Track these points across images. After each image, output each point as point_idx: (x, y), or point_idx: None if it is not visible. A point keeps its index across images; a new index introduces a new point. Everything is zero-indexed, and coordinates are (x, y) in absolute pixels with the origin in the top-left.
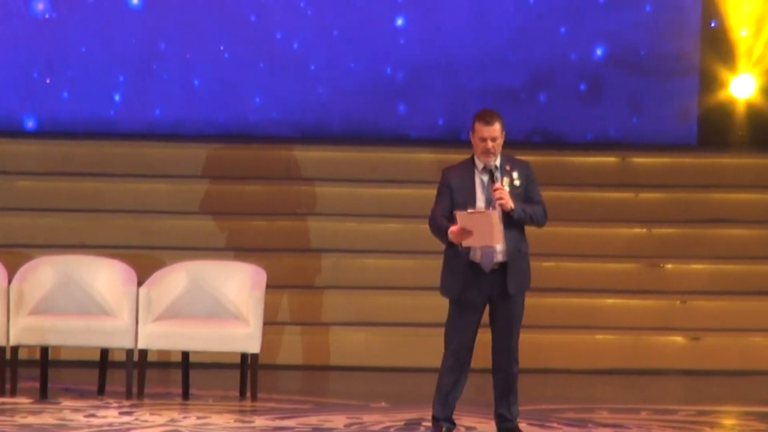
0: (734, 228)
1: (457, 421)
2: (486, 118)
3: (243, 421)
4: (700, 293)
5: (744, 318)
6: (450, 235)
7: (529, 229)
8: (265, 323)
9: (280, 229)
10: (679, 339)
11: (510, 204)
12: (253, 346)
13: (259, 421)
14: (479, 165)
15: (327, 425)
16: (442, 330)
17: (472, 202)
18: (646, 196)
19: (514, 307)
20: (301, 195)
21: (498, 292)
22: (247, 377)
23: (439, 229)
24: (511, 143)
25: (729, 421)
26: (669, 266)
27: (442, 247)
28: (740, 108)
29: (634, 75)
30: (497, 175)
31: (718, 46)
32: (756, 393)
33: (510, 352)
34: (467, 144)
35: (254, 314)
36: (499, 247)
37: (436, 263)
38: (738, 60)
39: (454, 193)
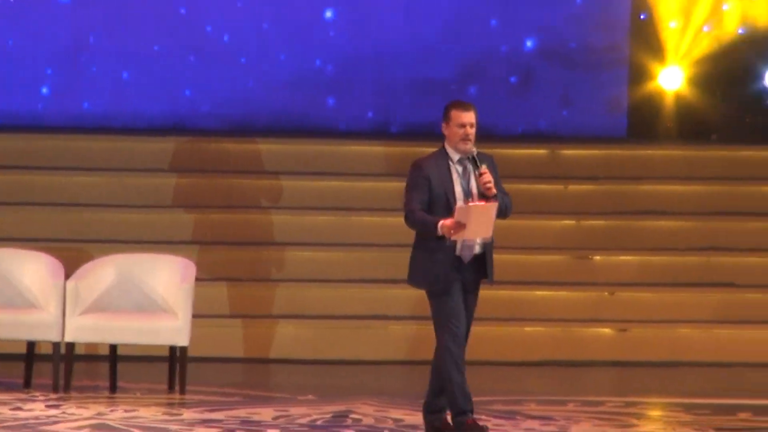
0: (663, 220)
1: (385, 414)
2: (463, 105)
3: (171, 414)
4: (628, 285)
5: (672, 309)
6: (442, 229)
7: None
8: (194, 316)
9: (210, 221)
10: (607, 330)
11: (494, 189)
12: (182, 339)
13: (188, 414)
14: (453, 156)
15: (255, 418)
16: (373, 322)
17: (451, 195)
18: (575, 187)
19: (477, 297)
20: (232, 188)
21: (470, 282)
22: (175, 370)
23: (423, 222)
24: (442, 136)
25: (656, 413)
26: (598, 258)
27: (373, 238)
28: (669, 100)
29: (565, 67)
30: (478, 161)
31: (647, 38)
32: (683, 384)
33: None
34: (396, 137)
35: (183, 307)
36: (478, 239)
37: (367, 255)
38: (667, 52)
39: (432, 185)
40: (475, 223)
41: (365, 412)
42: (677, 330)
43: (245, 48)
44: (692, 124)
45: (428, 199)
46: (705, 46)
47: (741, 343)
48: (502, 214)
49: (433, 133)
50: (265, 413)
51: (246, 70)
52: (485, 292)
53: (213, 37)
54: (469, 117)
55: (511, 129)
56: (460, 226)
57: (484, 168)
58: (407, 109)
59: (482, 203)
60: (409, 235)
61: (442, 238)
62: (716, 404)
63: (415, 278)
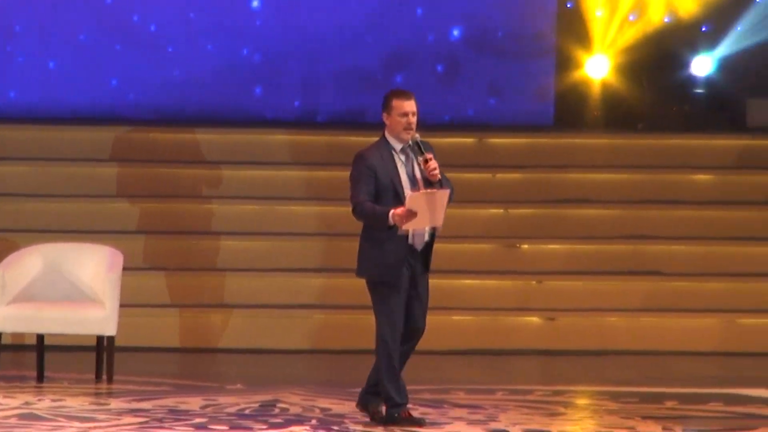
0: (590, 208)
1: (312, 403)
2: (404, 93)
3: (99, 404)
4: (556, 273)
5: (599, 298)
6: (394, 218)
7: None
8: (122, 305)
9: (136, 211)
10: (535, 319)
11: (439, 176)
12: (109, 329)
13: (115, 404)
14: (396, 145)
15: (183, 407)
16: (300, 311)
17: (397, 183)
18: (503, 176)
19: (427, 279)
20: (159, 177)
21: (419, 268)
22: (103, 360)
23: (373, 213)
24: (369, 125)
25: (583, 401)
26: (525, 246)
27: (299, 228)
28: (596, 88)
29: (492, 56)
30: (423, 146)
31: (574, 27)
32: (610, 372)
33: (421, 332)
34: (321, 126)
35: (110, 296)
36: (427, 227)
37: (293, 244)
38: (593, 41)
39: (377, 176)
40: (426, 211)
41: (293, 401)
42: (604, 318)
43: (172, 37)
44: (619, 113)
45: (374, 190)
46: (631, 34)
47: (668, 332)
48: (450, 197)
49: (360, 122)
50: (193, 402)
51: (173, 59)
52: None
53: (139, 27)
54: (411, 105)
55: (439, 118)
56: (411, 214)
57: (429, 154)
58: (333, 98)
59: (434, 191)
60: (335, 223)
61: (394, 227)
62: (643, 392)
63: (364, 269)
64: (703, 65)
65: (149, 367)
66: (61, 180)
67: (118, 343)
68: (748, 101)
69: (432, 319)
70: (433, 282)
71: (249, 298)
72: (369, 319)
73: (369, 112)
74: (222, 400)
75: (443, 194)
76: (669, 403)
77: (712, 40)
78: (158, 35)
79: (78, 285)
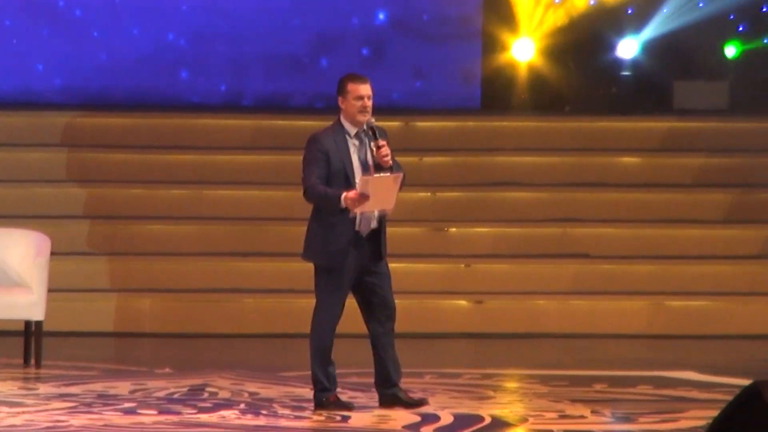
0: (517, 191)
1: (241, 387)
2: (359, 77)
3: (27, 389)
4: (484, 257)
5: (527, 281)
6: (345, 201)
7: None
8: (50, 290)
9: (64, 196)
10: (463, 302)
11: (391, 162)
12: (37, 314)
13: (44, 388)
14: (350, 129)
15: (112, 391)
16: (227, 296)
17: (349, 168)
18: (430, 160)
19: (386, 264)
20: (86, 162)
21: (369, 257)
22: (31, 345)
23: (325, 196)
24: (293, 109)
25: (512, 384)
26: (453, 230)
27: (227, 212)
28: (522, 71)
29: (417, 39)
30: (378, 132)
31: (499, 9)
32: (539, 356)
33: (395, 312)
34: (247, 110)
35: (38, 281)
36: (375, 212)
37: (220, 229)
38: (519, 23)
39: (330, 159)
40: (378, 195)
41: (221, 385)
42: (533, 301)
43: (98, 22)
44: (546, 96)
45: (327, 174)
46: (557, 17)
47: (596, 314)
48: (402, 183)
49: (286, 106)
50: (122, 387)
51: (99, 44)
52: None
53: (65, 12)
54: (366, 89)
55: None
56: (363, 197)
57: (382, 141)
58: (259, 82)
59: (387, 175)
60: (263, 208)
61: (345, 211)
62: (572, 376)
63: (311, 254)
64: (629, 48)
65: (77, 351)
66: None
67: (46, 328)
68: (675, 83)
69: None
70: None
71: (177, 282)
72: (297, 303)
73: (295, 96)
74: (151, 384)
75: (395, 178)
76: (598, 386)
77: (638, 23)
78: (84, 20)
79: (5, 270)
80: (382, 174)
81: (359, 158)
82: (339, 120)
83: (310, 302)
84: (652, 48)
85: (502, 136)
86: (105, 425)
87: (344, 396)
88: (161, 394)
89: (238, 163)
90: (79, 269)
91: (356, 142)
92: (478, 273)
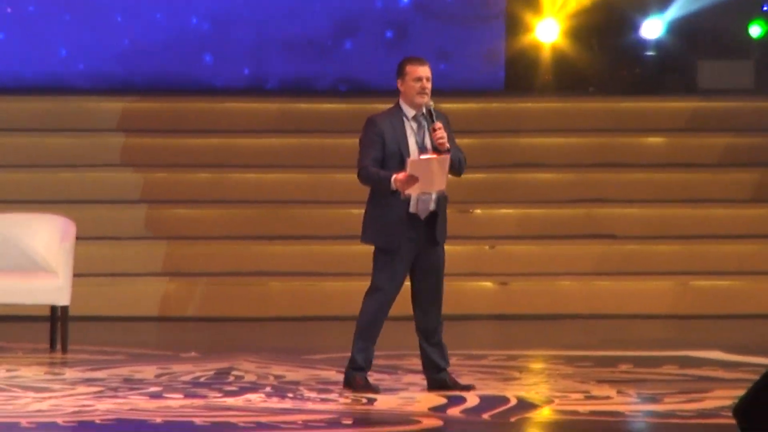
0: (542, 172)
1: (267, 371)
2: (417, 59)
3: (53, 374)
4: (508, 238)
5: (552, 262)
6: (396, 183)
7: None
8: (76, 275)
9: (89, 180)
10: (488, 284)
11: (447, 144)
12: (63, 298)
13: (70, 373)
14: (408, 112)
15: (138, 376)
16: (253, 279)
17: (405, 151)
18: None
19: (442, 254)
20: (111, 147)
21: (425, 241)
22: (57, 329)
23: (377, 178)
24: (317, 92)
25: (538, 365)
26: (478, 211)
27: (252, 195)
28: (546, 52)
29: (441, 21)
30: (435, 114)
31: None
32: (564, 337)
33: (441, 301)
34: (271, 93)
35: (64, 266)
36: (434, 195)
37: (246, 212)
38: (543, 4)
39: (385, 141)
40: (427, 176)
41: (247, 368)
42: (558, 283)
43: (121, 7)
44: (570, 77)
45: (382, 156)
46: None
47: (621, 295)
48: (455, 169)
49: (309, 89)
50: (147, 371)
51: (122, 29)
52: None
53: None
54: (425, 71)
55: (388, 84)
56: (412, 179)
57: (438, 123)
58: (283, 65)
59: (434, 156)
60: (289, 191)
61: (397, 193)
62: (598, 356)
63: (369, 235)
64: (653, 28)
65: (103, 336)
66: (11, 150)
67: (71, 312)
68: (699, 63)
69: None
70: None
71: (201, 266)
72: (323, 286)
73: (318, 79)
74: (177, 368)
75: (443, 159)
76: (623, 367)
77: (662, 3)
78: (107, 5)
79: (31, 255)
80: (428, 155)
81: (416, 141)
82: (398, 102)
83: (335, 285)
84: (676, 28)
85: (526, 118)
86: (131, 409)
87: (371, 378)
88: (187, 378)
89: (262, 147)
90: (104, 254)
91: (414, 125)
92: (502, 254)
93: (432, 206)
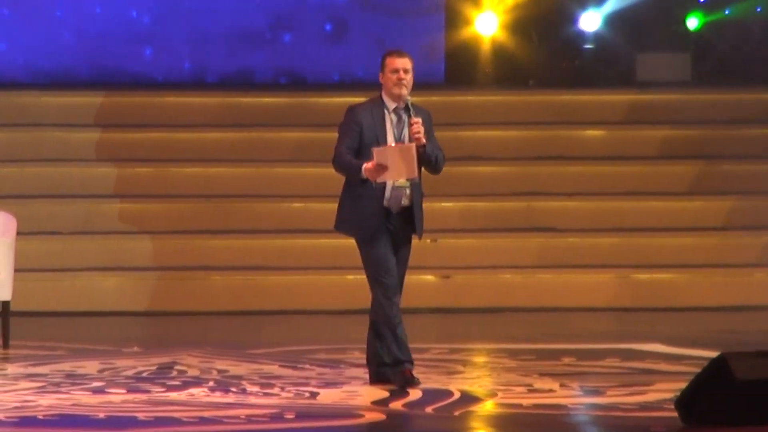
0: (483, 165)
1: (210, 365)
2: (396, 51)
3: None
4: (450, 231)
5: (493, 256)
6: (365, 172)
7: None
8: (17, 270)
9: (30, 175)
10: (430, 277)
11: (424, 139)
12: (4, 294)
13: (12, 369)
14: (389, 105)
15: (80, 371)
16: (195, 273)
17: (383, 141)
18: None
19: (409, 250)
20: (51, 141)
21: (400, 235)
22: None
23: (349, 166)
24: (258, 85)
25: (481, 359)
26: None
27: (193, 189)
28: (485, 45)
29: (380, 14)
30: (412, 110)
31: None
32: (506, 330)
33: (400, 294)
34: (211, 87)
35: (5, 261)
36: (407, 190)
37: (187, 206)
38: None
39: (363, 132)
40: (394, 165)
41: (190, 363)
42: (500, 276)
43: (60, 1)
44: (509, 70)
45: (358, 146)
46: None
47: (563, 288)
48: (431, 166)
49: (249, 82)
50: (90, 366)
51: (61, 23)
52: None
53: None
54: (403, 63)
55: (327, 77)
56: (381, 168)
57: (416, 119)
58: (223, 58)
59: (398, 144)
60: (228, 185)
61: (368, 182)
62: (540, 349)
63: (342, 225)
64: (591, 21)
65: (45, 331)
66: None
67: (13, 308)
68: (638, 56)
69: (326, 279)
70: (326, 242)
71: (144, 260)
72: (265, 280)
73: (258, 72)
74: (119, 363)
75: (405, 148)
76: (566, 360)
77: None
78: (46, 0)
79: None
80: (394, 144)
81: (394, 134)
82: (380, 95)
83: (277, 279)
84: (614, 20)
85: (466, 111)
86: (74, 405)
87: (313, 372)
88: (130, 372)
89: (204, 141)
90: (45, 249)
91: (394, 118)
92: (444, 248)
93: (405, 201)
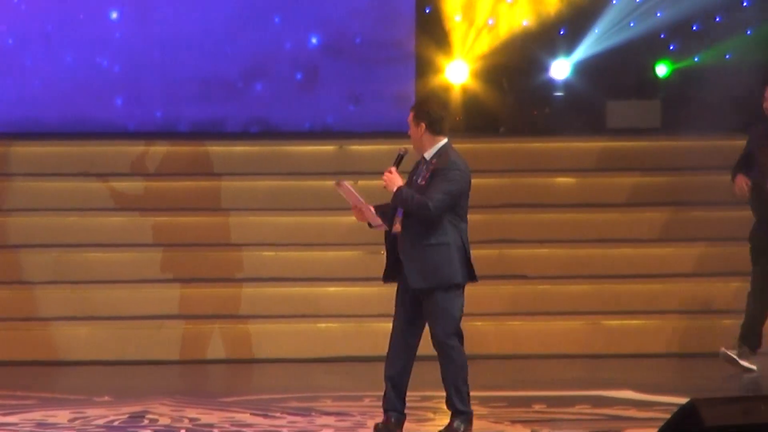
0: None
1: (181, 414)
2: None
3: None
4: None
5: (466, 303)
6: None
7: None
8: None
9: (0, 225)
10: None
11: (390, 186)
12: None
13: None
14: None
15: (51, 420)
16: (166, 322)
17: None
18: (365, 183)
19: (429, 303)
20: (21, 191)
21: (407, 284)
22: None
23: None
24: (229, 135)
25: None
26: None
27: (165, 239)
28: (456, 93)
29: (351, 63)
30: (398, 160)
31: (432, 32)
32: (477, 377)
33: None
34: (183, 136)
35: None
36: (402, 236)
37: (158, 255)
38: (452, 46)
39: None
40: (356, 206)
41: (162, 411)
42: (471, 323)
43: (30, 50)
44: (480, 118)
45: None
46: (490, 39)
47: (534, 335)
48: (407, 206)
49: (221, 132)
50: (61, 415)
51: (32, 72)
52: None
53: None
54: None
55: (299, 125)
56: (355, 209)
57: (391, 168)
58: (195, 107)
59: (340, 183)
60: (200, 234)
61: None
62: (511, 396)
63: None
64: (561, 69)
65: (15, 380)
66: None
67: None
68: (607, 103)
69: (297, 327)
70: (297, 290)
71: (114, 309)
72: (236, 328)
73: (229, 121)
74: (90, 412)
75: (343, 187)
76: (537, 407)
77: (569, 44)
78: (16, 48)
79: None
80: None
81: (411, 180)
82: None
83: (248, 327)
84: (584, 68)
85: None
86: None
87: (284, 420)
88: (101, 422)
89: (175, 190)
90: (14, 297)
91: (422, 166)
92: None
93: (401, 255)
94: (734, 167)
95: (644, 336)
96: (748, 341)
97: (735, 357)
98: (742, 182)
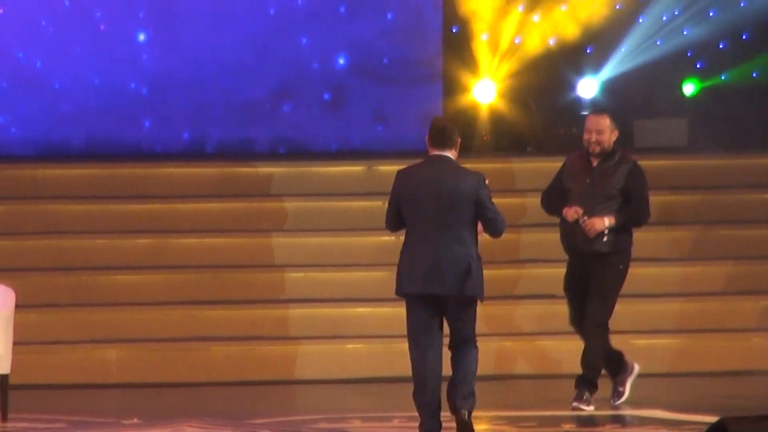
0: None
1: None
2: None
3: None
4: None
5: (495, 322)
6: None
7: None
8: (16, 343)
9: (28, 248)
10: None
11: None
12: (3, 367)
13: None
14: None
15: None
16: (195, 344)
17: None
18: None
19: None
20: (48, 214)
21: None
22: None
23: None
24: (256, 156)
25: (481, 426)
26: None
27: (192, 260)
28: (484, 113)
29: (378, 83)
30: None
31: (460, 52)
32: (507, 397)
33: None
34: (210, 157)
35: (3, 335)
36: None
37: (187, 277)
38: (480, 65)
39: None
40: None
41: None
42: (501, 342)
43: (58, 73)
44: (507, 137)
45: None
46: (517, 58)
47: (564, 354)
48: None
49: (249, 153)
50: None
51: (60, 95)
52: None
53: (25, 63)
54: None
55: (326, 146)
56: None
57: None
58: (222, 129)
59: None
60: (228, 255)
61: None
62: (541, 416)
63: None
64: (589, 87)
65: (44, 404)
66: None
67: (12, 381)
68: (635, 122)
69: (325, 348)
70: (326, 311)
71: (143, 332)
72: (265, 350)
73: (257, 143)
74: None
75: None
76: (567, 426)
77: (597, 62)
78: (44, 71)
79: None
80: None
81: None
82: None
83: (276, 349)
84: (611, 87)
85: None
86: None
87: None
88: None
89: (202, 211)
90: (44, 321)
91: None
92: None
93: None
94: None
95: (674, 355)
96: None
97: None
98: None
